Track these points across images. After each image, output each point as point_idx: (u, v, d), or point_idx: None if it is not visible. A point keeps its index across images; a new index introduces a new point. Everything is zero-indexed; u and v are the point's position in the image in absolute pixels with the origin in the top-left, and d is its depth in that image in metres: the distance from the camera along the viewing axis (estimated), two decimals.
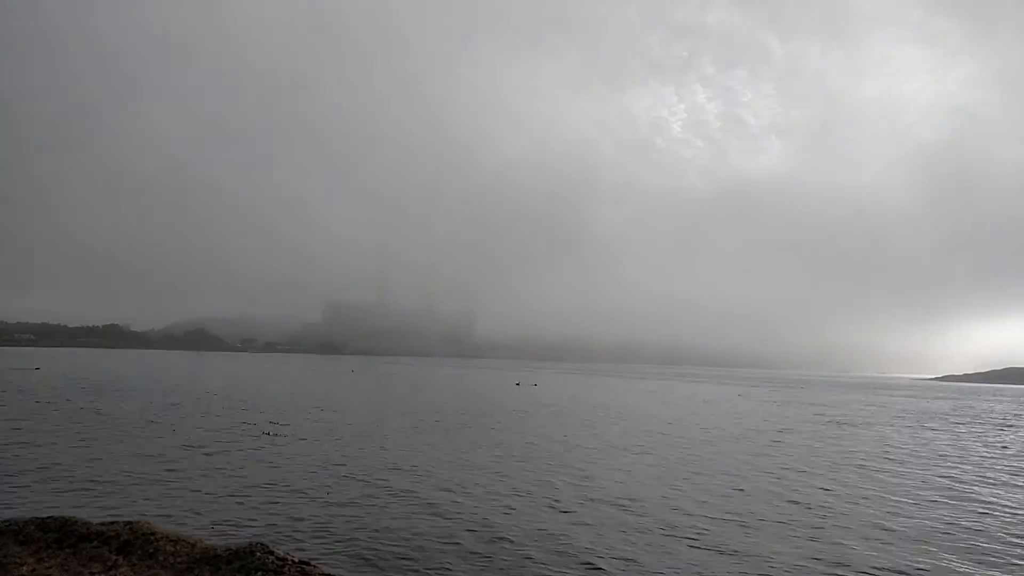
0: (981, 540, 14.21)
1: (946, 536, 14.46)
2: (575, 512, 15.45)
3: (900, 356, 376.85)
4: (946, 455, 28.40)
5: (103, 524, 9.65)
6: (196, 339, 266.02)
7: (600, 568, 11.62)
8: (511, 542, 12.95)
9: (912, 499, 18.34)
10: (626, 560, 12.08)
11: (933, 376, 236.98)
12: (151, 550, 8.79)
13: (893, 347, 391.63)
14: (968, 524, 15.61)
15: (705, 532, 14.07)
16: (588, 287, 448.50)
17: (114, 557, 8.62)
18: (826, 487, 19.64)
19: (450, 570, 11.38)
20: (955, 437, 36.79)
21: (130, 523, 9.62)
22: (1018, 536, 14.63)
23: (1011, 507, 17.79)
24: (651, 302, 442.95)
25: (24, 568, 8.32)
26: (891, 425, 43.18)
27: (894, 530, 14.77)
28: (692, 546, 13.09)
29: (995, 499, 18.81)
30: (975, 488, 20.51)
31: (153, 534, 9.28)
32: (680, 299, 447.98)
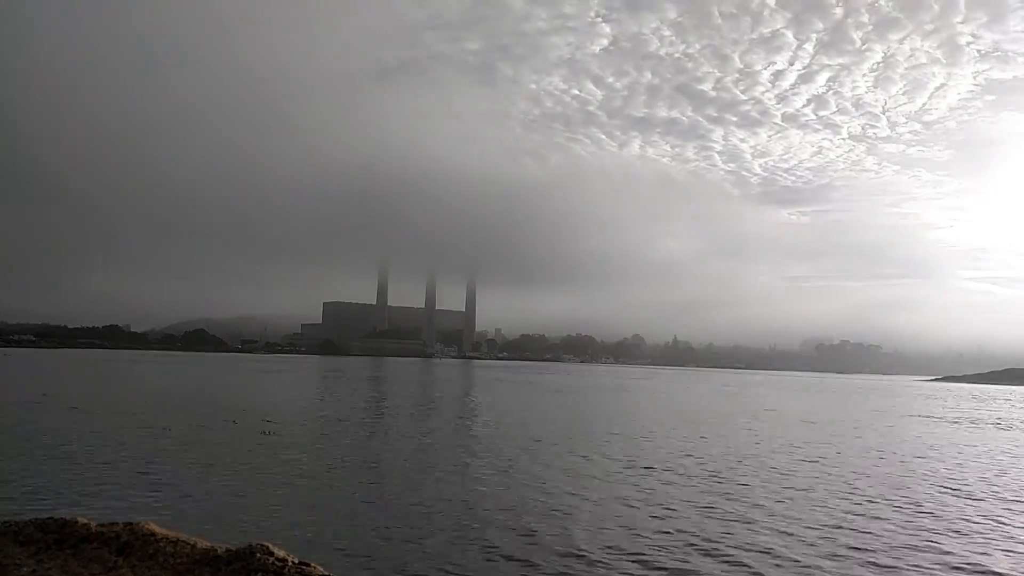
0: None
1: None
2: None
3: (901, 357, 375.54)
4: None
5: (103, 525, 9.61)
6: (196, 339, 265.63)
7: None
8: (538, 546, 12.91)
9: None
10: None
11: (933, 377, 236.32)
12: (151, 551, 8.75)
13: (893, 348, 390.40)
14: None
15: None
16: (588, 284, 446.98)
17: (114, 558, 8.58)
18: None
19: (457, 570, 11.35)
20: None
21: (130, 524, 9.57)
22: None
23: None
24: (653, 298, 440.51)
25: (24, 569, 8.28)
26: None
27: None
28: None
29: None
30: None
31: (153, 535, 9.23)
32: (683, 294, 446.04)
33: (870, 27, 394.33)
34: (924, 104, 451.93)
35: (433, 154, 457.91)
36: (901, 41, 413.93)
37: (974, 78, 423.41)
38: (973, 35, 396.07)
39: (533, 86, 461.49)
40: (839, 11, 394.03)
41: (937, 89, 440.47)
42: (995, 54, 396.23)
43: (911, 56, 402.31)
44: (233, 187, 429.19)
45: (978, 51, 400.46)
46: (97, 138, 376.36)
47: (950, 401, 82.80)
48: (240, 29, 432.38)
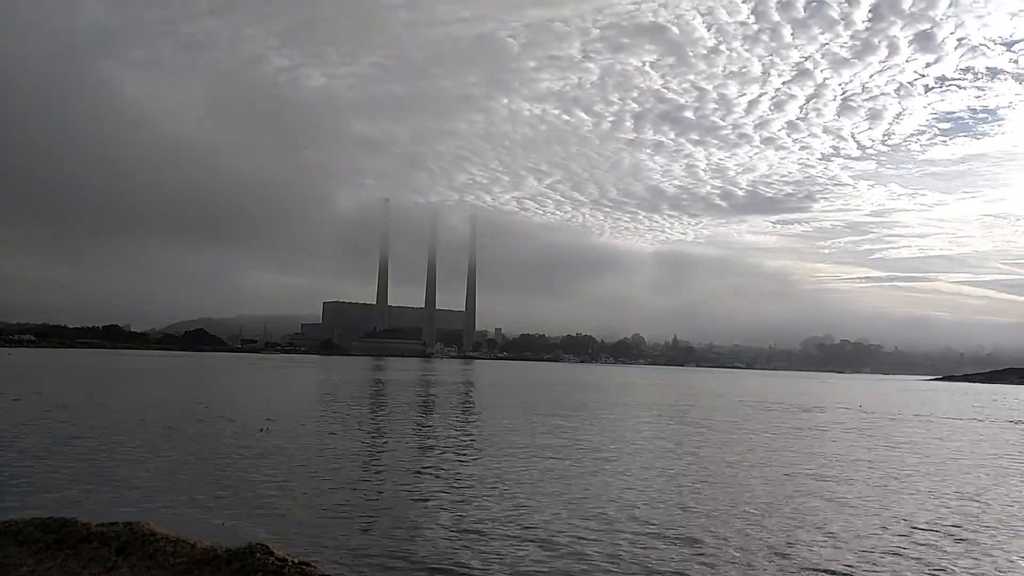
0: None
1: None
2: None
3: (902, 357, 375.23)
4: None
5: (103, 525, 9.62)
6: (196, 339, 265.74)
7: None
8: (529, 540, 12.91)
9: None
10: None
11: (933, 376, 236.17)
12: (151, 551, 8.77)
13: (894, 348, 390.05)
14: None
15: None
16: (588, 283, 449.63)
17: (114, 558, 8.60)
18: None
19: (461, 568, 11.35)
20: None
21: (130, 524, 9.59)
22: None
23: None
24: (653, 295, 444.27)
25: (23, 569, 8.31)
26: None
27: None
28: None
29: None
30: None
31: (153, 535, 9.26)
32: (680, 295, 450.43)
33: (825, 65, 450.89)
34: (886, 130, 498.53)
35: (432, 166, 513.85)
36: (852, 78, 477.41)
37: (924, 108, 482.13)
38: (918, 72, 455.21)
39: (527, 113, 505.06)
40: (795, 53, 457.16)
41: (895, 117, 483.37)
42: (940, 88, 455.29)
43: (865, 90, 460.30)
44: (235, 189, 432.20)
45: (925, 86, 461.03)
46: (96, 137, 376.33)
47: None
48: (268, 57, 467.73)
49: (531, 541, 13.01)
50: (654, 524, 14.55)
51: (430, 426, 32.76)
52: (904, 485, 20.35)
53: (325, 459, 21.41)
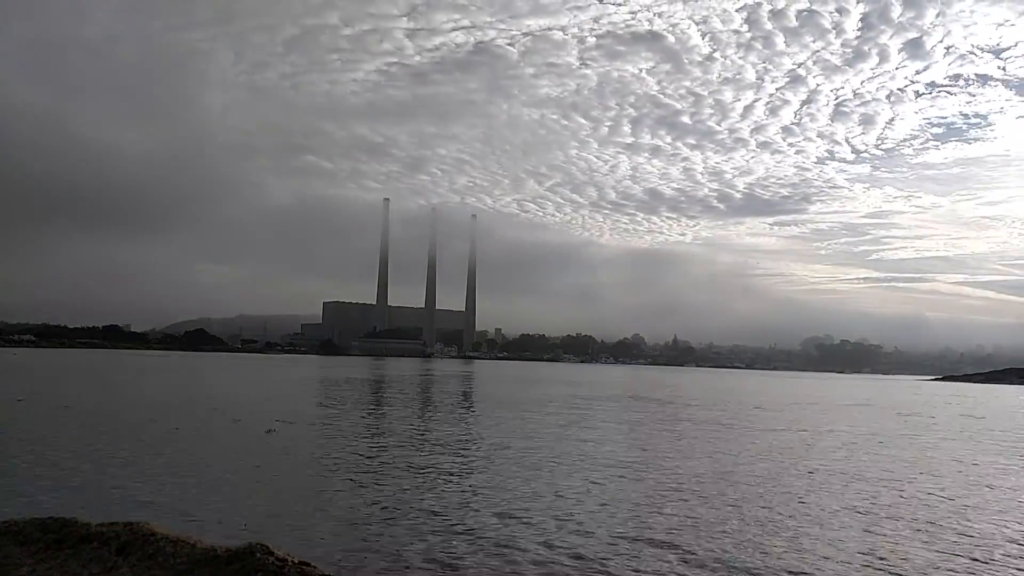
0: None
1: None
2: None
3: (902, 357, 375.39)
4: None
5: (103, 525, 9.61)
6: (196, 339, 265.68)
7: None
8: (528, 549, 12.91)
9: None
10: None
11: (933, 376, 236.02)
12: (151, 551, 8.76)
13: (894, 348, 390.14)
14: None
15: None
16: (588, 283, 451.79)
17: (114, 558, 8.60)
18: None
19: (462, 567, 11.34)
20: None
21: (130, 524, 9.58)
22: None
23: None
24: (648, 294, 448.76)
25: (23, 569, 8.31)
26: None
27: None
28: None
29: None
30: None
31: (153, 535, 9.25)
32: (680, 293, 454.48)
33: (818, 72, 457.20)
34: (879, 135, 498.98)
35: (433, 169, 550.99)
36: (844, 84, 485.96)
37: (916, 114, 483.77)
38: (908, 79, 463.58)
39: (527, 118, 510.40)
40: (788, 60, 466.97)
41: (888, 123, 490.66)
42: (930, 94, 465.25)
43: (857, 96, 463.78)
44: (236, 189, 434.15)
45: (916, 92, 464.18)
46: (102, 144, 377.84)
47: None
48: (272, 65, 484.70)
49: (533, 539, 13.02)
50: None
51: (432, 427, 32.75)
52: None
53: (329, 460, 21.40)
